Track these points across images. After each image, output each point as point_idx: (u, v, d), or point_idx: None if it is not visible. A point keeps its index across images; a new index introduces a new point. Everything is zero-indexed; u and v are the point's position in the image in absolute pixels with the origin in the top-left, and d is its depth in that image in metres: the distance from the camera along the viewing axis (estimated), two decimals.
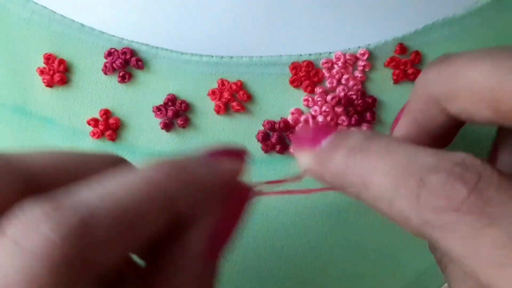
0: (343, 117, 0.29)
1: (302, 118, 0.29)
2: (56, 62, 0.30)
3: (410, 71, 0.29)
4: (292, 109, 0.29)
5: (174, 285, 0.20)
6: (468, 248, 0.17)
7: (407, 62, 0.29)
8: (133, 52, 0.29)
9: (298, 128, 0.29)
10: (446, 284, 0.29)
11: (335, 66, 0.29)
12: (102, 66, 0.30)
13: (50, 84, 0.30)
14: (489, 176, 0.17)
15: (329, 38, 0.29)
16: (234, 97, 0.29)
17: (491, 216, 0.16)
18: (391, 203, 0.19)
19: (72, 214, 0.16)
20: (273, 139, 0.29)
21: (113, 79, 0.30)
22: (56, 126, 0.30)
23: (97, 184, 0.18)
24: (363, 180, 0.19)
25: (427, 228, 0.18)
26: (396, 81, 0.29)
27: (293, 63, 0.29)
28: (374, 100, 0.29)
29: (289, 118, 0.29)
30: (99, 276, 0.17)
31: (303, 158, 0.22)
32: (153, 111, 0.30)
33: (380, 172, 0.19)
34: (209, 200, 0.21)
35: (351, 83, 0.29)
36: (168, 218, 0.19)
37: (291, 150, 0.29)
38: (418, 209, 0.18)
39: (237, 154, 0.24)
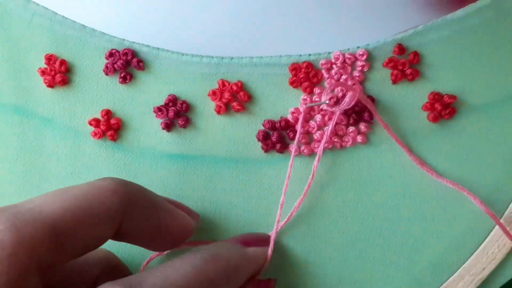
0: (341, 117, 0.29)
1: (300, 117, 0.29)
2: (57, 63, 0.30)
3: (408, 71, 0.29)
4: (292, 109, 0.29)
5: None
6: None
7: (405, 63, 0.29)
8: (134, 53, 0.29)
9: None
10: (445, 284, 0.30)
11: (334, 66, 0.29)
12: (103, 67, 0.30)
13: (51, 85, 0.30)
14: None
15: (328, 39, 0.29)
16: (234, 97, 0.29)
17: None
18: None
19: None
20: (274, 138, 0.29)
21: (114, 80, 0.30)
22: (57, 126, 0.30)
23: (159, 272, 0.22)
24: None
25: None
26: (394, 81, 0.29)
27: (292, 64, 0.29)
28: (373, 100, 0.29)
29: (289, 117, 0.29)
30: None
31: None
32: (154, 111, 0.30)
33: None
34: (244, 279, 0.26)
35: (349, 83, 0.29)
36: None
37: (290, 149, 0.30)
38: None
39: (261, 241, 0.29)
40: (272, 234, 0.29)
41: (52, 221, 0.21)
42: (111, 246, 0.27)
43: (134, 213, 0.24)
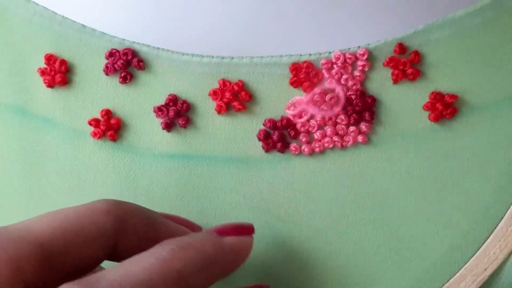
0: (342, 117, 0.29)
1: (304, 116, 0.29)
2: (57, 63, 0.30)
3: (409, 71, 0.29)
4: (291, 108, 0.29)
5: None
6: None
7: (406, 62, 0.29)
8: (134, 53, 0.29)
9: None
10: (447, 284, 0.29)
11: (335, 66, 0.29)
12: (103, 66, 0.30)
13: (51, 85, 0.30)
14: None
15: (329, 38, 0.29)
16: (235, 97, 0.29)
17: None
18: None
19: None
20: (274, 137, 0.29)
21: (115, 80, 0.30)
22: (57, 127, 0.30)
23: (120, 268, 0.21)
24: None
25: None
26: (395, 81, 0.29)
27: (293, 64, 0.29)
28: (374, 99, 0.29)
29: (290, 116, 0.29)
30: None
31: None
32: (154, 111, 0.30)
33: None
34: (219, 271, 0.24)
35: (350, 83, 0.29)
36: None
37: (291, 148, 0.29)
38: None
39: (243, 230, 0.26)
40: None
41: (39, 240, 0.21)
42: None
43: (129, 232, 0.24)
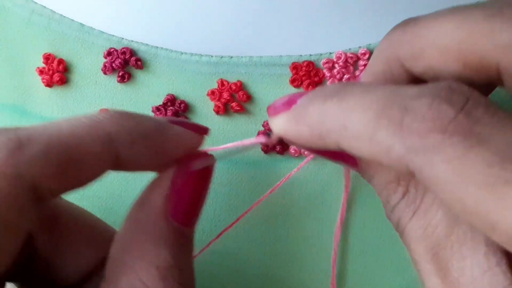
0: None
1: None
2: (55, 62, 0.30)
3: None
4: None
5: (142, 245, 0.21)
6: (454, 170, 0.15)
7: None
8: (132, 52, 0.29)
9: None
10: None
11: (336, 65, 0.28)
12: (101, 65, 0.29)
13: (49, 84, 0.30)
14: (477, 98, 0.16)
15: (330, 38, 0.29)
16: (233, 98, 0.29)
17: (480, 136, 0.15)
18: (371, 137, 0.17)
19: (13, 135, 0.19)
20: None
21: (113, 79, 0.30)
22: None
23: (47, 122, 0.20)
24: (341, 123, 0.18)
25: (410, 156, 0.16)
26: None
27: (293, 63, 0.28)
28: None
29: None
30: (37, 196, 0.19)
31: (277, 122, 0.21)
32: (153, 111, 0.29)
33: (360, 109, 0.18)
34: (159, 155, 0.22)
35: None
36: (108, 158, 0.21)
37: (291, 150, 0.29)
38: (401, 136, 0.16)
39: (197, 128, 0.24)
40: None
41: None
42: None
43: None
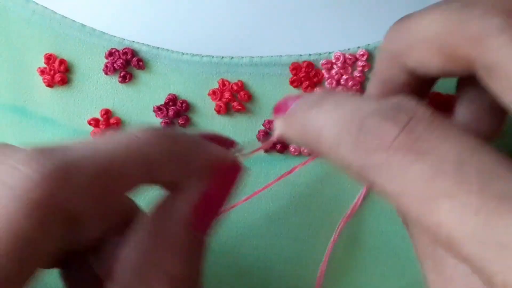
0: None
1: None
2: (56, 62, 0.30)
3: None
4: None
5: (159, 253, 0.21)
6: (398, 185, 0.17)
7: None
8: (134, 52, 0.29)
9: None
10: None
11: (335, 66, 0.29)
12: (103, 66, 0.30)
13: (50, 84, 0.30)
14: (421, 115, 0.17)
15: (328, 38, 0.29)
16: (234, 97, 0.29)
17: (419, 152, 0.17)
18: (337, 151, 0.19)
19: (54, 158, 0.17)
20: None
21: (114, 79, 0.30)
22: (57, 126, 0.30)
23: (84, 141, 0.19)
24: (317, 133, 0.20)
25: (364, 171, 0.18)
26: None
27: (293, 64, 0.29)
28: None
29: None
30: (71, 221, 0.18)
31: (275, 122, 0.23)
32: (154, 111, 0.30)
33: (330, 123, 0.19)
34: (193, 172, 0.22)
35: (350, 83, 0.29)
36: (147, 180, 0.20)
37: (291, 149, 0.29)
38: (356, 153, 0.18)
39: (227, 143, 0.24)
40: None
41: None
42: None
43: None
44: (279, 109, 0.23)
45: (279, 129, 0.23)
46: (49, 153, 0.18)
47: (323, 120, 0.20)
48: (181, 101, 0.30)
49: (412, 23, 0.21)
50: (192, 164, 0.22)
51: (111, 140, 0.20)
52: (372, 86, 0.24)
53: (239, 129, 0.30)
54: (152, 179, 0.21)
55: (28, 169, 0.17)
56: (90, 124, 0.30)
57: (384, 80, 0.23)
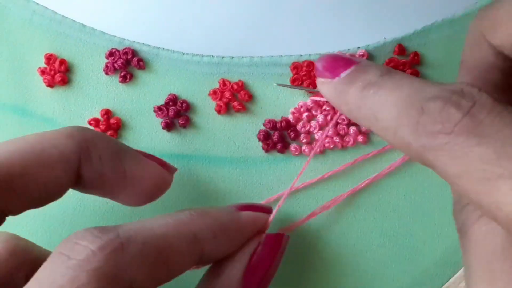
0: (343, 117, 0.29)
1: (304, 115, 0.29)
2: (57, 62, 0.30)
3: (408, 71, 0.29)
4: (292, 109, 0.29)
5: None
6: (458, 166, 0.18)
7: (405, 63, 0.29)
8: (134, 52, 0.29)
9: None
10: (447, 284, 0.29)
11: None
12: (103, 66, 0.30)
13: (51, 84, 0.30)
14: (483, 102, 0.18)
15: (328, 39, 0.29)
16: (235, 97, 0.29)
17: (480, 136, 0.18)
18: (395, 132, 0.20)
19: (115, 236, 0.20)
20: (275, 138, 0.29)
21: (114, 79, 0.30)
22: (57, 126, 0.30)
23: (138, 221, 0.22)
24: (374, 113, 0.21)
25: (424, 152, 0.19)
26: None
27: (293, 63, 0.29)
28: None
29: (290, 117, 0.29)
30: None
31: (321, 86, 0.25)
32: (154, 111, 0.30)
33: (389, 104, 0.21)
34: (235, 242, 0.25)
35: None
36: (194, 255, 0.23)
37: (291, 149, 0.29)
38: (417, 135, 0.19)
39: (262, 209, 0.27)
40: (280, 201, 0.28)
41: None
42: None
43: (93, 158, 0.24)
44: (326, 69, 0.24)
45: (328, 95, 0.24)
46: (109, 232, 0.20)
47: (381, 102, 0.21)
48: (181, 101, 0.30)
49: (504, 2, 0.22)
50: (237, 236, 0.25)
51: (160, 219, 0.22)
52: (461, 75, 0.24)
53: (239, 129, 0.30)
54: (204, 256, 0.23)
55: (93, 246, 0.20)
56: (90, 124, 0.30)
57: (471, 68, 0.24)
